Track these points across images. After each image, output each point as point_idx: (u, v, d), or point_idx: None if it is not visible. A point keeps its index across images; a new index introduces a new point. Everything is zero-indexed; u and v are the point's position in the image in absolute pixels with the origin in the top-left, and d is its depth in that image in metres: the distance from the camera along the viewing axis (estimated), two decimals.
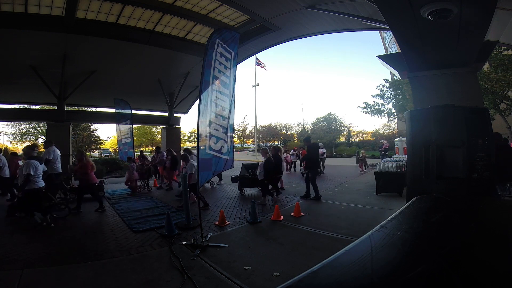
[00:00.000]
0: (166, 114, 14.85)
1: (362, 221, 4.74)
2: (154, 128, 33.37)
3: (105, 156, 28.08)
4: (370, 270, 0.92)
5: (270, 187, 6.57)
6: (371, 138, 36.93)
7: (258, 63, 27.52)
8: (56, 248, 3.81)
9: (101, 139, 27.15)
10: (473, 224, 1.39)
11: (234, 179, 8.38)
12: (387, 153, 15.19)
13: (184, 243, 3.90)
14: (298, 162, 13.05)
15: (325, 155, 12.38)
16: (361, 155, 13.40)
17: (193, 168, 6.05)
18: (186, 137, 43.19)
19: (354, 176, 11.26)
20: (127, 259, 3.44)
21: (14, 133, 23.28)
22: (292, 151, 14.11)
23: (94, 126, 24.18)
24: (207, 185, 8.79)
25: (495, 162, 4.28)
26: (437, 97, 5.64)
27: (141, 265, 3.25)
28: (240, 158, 20.75)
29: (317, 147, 7.52)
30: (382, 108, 22.48)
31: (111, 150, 32.97)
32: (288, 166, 12.88)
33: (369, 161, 15.02)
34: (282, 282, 0.84)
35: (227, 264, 3.22)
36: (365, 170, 12.84)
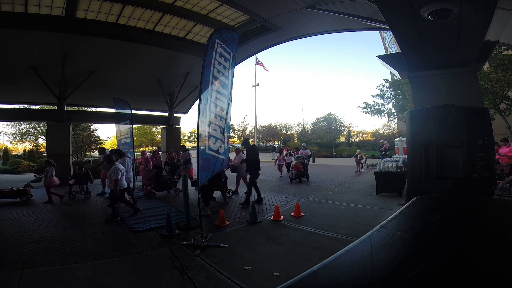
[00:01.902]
0: (166, 114, 14.84)
1: (362, 221, 4.74)
2: (154, 128, 33.31)
3: None
4: (370, 270, 0.92)
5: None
6: (371, 138, 36.85)
7: (258, 63, 27.54)
8: (56, 248, 3.81)
9: (101, 139, 27.06)
10: (473, 224, 1.39)
11: (193, 183, 6.89)
12: (387, 153, 15.18)
13: (184, 243, 3.90)
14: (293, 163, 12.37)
15: (308, 157, 11.63)
16: (358, 156, 13.30)
17: (118, 173, 5.14)
18: (186, 137, 43.11)
19: (354, 176, 11.26)
20: (127, 259, 3.44)
21: (14, 133, 23.29)
22: (285, 151, 13.22)
23: (94, 126, 24.11)
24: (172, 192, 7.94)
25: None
26: (437, 97, 5.65)
27: (141, 265, 3.25)
28: None
29: (256, 149, 7.09)
30: (382, 108, 22.46)
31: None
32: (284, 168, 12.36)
33: (369, 161, 14.98)
34: (282, 282, 0.84)
35: (227, 264, 3.22)
36: (361, 170, 12.79)
